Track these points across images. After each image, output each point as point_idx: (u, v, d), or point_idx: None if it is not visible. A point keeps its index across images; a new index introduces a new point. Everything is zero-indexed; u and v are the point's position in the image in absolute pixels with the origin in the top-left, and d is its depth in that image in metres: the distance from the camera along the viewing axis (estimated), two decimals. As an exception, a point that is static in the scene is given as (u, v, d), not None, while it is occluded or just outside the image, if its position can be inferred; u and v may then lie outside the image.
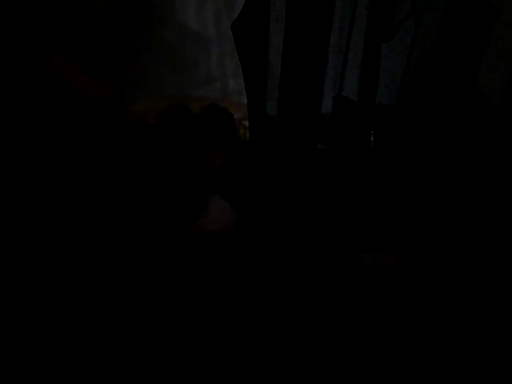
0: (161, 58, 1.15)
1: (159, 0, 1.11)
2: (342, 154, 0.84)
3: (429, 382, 0.60)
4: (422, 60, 0.83)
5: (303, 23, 0.76)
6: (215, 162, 0.75)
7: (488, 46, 0.75)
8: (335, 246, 0.74)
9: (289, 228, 0.77)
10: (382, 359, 0.61)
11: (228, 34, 0.87)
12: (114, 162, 0.76)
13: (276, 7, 0.76)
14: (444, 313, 0.66)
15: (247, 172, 0.81)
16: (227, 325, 0.63)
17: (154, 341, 0.60)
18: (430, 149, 0.82)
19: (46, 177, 0.77)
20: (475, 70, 0.76)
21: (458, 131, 0.82)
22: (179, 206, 0.71)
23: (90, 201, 0.74)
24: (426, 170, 0.85)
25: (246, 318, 0.64)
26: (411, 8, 0.78)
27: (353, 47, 0.78)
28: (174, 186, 0.72)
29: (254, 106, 0.84)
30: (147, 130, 0.82)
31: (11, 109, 0.71)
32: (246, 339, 0.62)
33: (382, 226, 0.77)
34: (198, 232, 0.70)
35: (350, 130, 0.82)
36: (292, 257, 0.73)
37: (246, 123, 0.95)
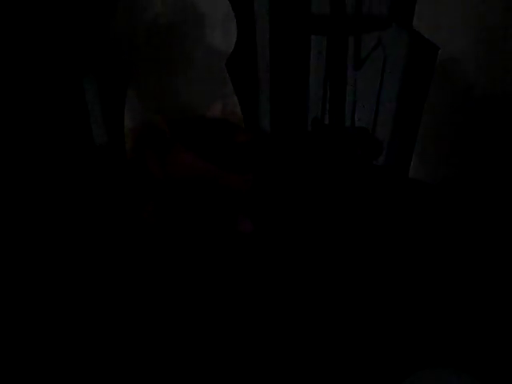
0: (190, 75, 1.25)
1: (190, 25, 1.23)
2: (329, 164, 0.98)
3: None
4: (393, 85, 0.97)
5: (284, 58, 0.91)
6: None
7: (434, 73, 0.89)
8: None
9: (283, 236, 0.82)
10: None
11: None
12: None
13: (262, 44, 0.92)
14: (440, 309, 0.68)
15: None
16: (227, 324, 0.63)
17: (153, 340, 0.60)
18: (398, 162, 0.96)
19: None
20: (426, 92, 0.91)
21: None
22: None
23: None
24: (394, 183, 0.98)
25: (245, 318, 0.65)
26: (378, 41, 0.93)
27: (328, 76, 0.93)
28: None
29: (250, 124, 0.99)
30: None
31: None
32: (245, 339, 0.62)
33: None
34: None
35: (327, 147, 0.96)
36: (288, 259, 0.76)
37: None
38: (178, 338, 0.60)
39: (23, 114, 0.92)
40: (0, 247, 0.72)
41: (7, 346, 0.58)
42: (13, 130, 0.90)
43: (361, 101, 1.00)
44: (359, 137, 1.00)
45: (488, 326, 0.66)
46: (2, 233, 0.74)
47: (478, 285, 0.72)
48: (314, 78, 0.96)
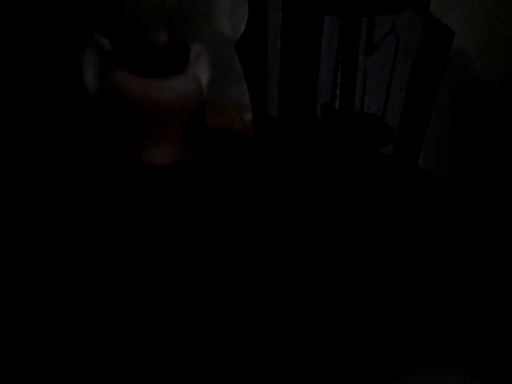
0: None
1: (195, 11, 1.24)
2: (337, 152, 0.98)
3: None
4: (404, 71, 0.96)
5: (295, 41, 0.90)
6: None
7: (447, 60, 0.88)
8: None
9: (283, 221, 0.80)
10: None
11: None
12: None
13: (272, 27, 0.91)
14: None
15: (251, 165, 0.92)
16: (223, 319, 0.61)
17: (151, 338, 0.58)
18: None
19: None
20: (439, 81, 0.90)
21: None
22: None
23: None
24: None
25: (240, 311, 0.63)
26: (391, 27, 0.92)
27: (339, 61, 0.92)
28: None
29: (257, 110, 0.99)
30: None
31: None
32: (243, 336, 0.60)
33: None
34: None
35: (336, 133, 0.95)
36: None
37: (246, 117, 1.10)
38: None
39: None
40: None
41: (7, 346, 0.57)
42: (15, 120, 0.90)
43: (371, 87, 0.99)
44: (369, 123, 0.98)
45: (489, 322, 0.65)
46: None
47: (480, 280, 0.72)
48: (325, 62, 0.94)
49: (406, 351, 0.62)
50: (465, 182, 1.03)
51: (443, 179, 0.97)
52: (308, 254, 0.74)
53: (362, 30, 0.91)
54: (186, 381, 0.56)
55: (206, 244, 0.67)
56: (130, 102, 0.59)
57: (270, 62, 0.95)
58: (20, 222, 0.70)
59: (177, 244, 0.65)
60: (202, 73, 0.65)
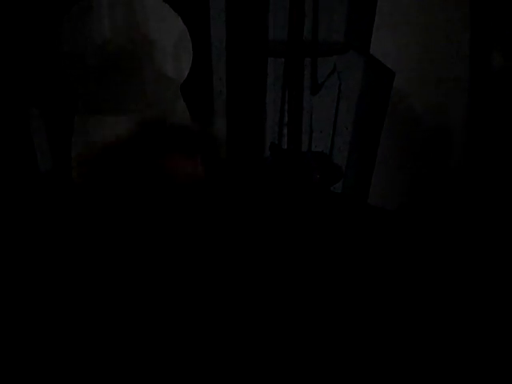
0: (138, 102, 1.26)
1: (139, 53, 1.24)
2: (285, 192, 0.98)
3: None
4: (348, 110, 0.98)
5: (241, 83, 0.91)
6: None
7: (389, 99, 0.91)
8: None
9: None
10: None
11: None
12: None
13: (218, 69, 0.92)
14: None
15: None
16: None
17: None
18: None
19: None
20: (383, 118, 0.92)
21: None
22: None
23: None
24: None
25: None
26: (333, 67, 0.95)
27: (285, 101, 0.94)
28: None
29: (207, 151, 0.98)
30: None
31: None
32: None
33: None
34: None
35: (285, 172, 0.96)
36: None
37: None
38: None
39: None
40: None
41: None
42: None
43: (317, 127, 1.01)
44: (317, 162, 0.99)
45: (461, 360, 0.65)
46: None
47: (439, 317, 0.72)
48: (271, 103, 0.96)
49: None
50: (413, 216, 1.05)
51: (392, 214, 0.98)
52: (258, 293, 0.73)
53: (306, 71, 0.94)
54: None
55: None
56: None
57: (217, 103, 0.95)
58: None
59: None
60: None
